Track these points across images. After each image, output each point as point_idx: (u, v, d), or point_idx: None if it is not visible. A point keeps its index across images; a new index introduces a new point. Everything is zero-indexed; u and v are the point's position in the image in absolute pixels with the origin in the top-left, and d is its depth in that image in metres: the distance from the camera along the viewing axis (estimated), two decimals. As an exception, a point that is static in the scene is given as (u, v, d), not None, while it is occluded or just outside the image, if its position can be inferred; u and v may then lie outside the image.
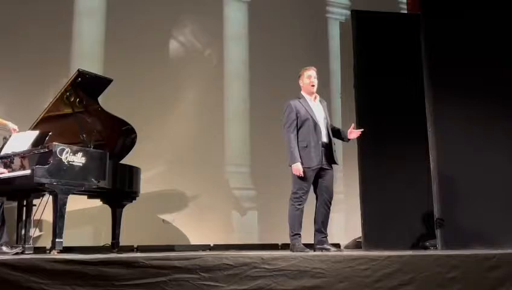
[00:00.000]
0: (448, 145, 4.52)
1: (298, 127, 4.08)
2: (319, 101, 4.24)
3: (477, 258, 3.24)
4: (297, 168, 3.99)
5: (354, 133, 4.25)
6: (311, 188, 4.12)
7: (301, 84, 4.25)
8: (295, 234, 4.00)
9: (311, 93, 4.21)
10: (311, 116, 4.09)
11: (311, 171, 4.03)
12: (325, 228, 4.10)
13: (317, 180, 4.10)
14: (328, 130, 4.17)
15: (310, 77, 4.19)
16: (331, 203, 4.09)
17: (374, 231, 5.11)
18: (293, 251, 3.83)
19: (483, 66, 4.67)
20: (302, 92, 4.24)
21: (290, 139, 4.06)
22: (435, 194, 4.44)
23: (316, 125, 4.08)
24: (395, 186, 5.19)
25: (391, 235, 5.11)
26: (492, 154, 4.56)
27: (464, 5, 4.79)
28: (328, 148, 4.11)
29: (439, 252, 3.87)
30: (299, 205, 4.01)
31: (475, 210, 4.39)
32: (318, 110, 4.18)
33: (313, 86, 4.18)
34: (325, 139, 4.11)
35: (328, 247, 4.00)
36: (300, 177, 4.00)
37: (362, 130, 4.18)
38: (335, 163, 4.14)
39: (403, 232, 5.13)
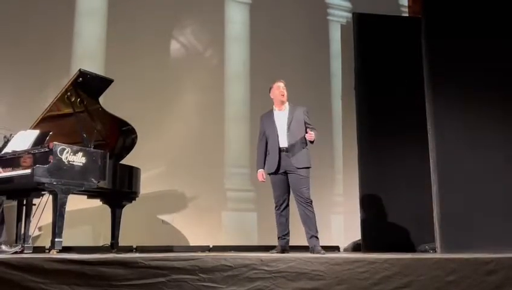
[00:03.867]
0: (448, 147, 4.52)
1: (267, 137, 4.36)
2: (287, 108, 4.35)
3: (476, 262, 3.24)
4: (258, 174, 4.34)
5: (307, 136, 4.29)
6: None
7: (272, 96, 4.44)
8: (278, 238, 4.32)
9: (281, 103, 4.37)
10: (273, 126, 4.31)
11: (274, 177, 4.28)
12: (311, 228, 4.13)
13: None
14: (293, 134, 4.25)
15: (279, 87, 4.38)
16: (305, 204, 4.16)
17: (373, 233, 5.12)
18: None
19: (484, 67, 4.67)
20: (274, 105, 4.42)
21: (257, 149, 4.43)
22: (435, 196, 4.44)
23: (275, 133, 4.28)
24: (395, 189, 5.19)
25: (390, 238, 5.11)
26: (493, 156, 4.55)
27: (466, 8, 4.80)
28: (289, 152, 4.21)
29: (438, 255, 3.87)
30: (277, 210, 4.31)
31: (475, 213, 4.38)
32: (280, 118, 4.33)
33: (282, 95, 4.36)
34: (283, 144, 4.23)
35: (316, 248, 4.02)
36: (272, 186, 4.32)
37: (311, 133, 4.24)
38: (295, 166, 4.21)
39: (402, 235, 5.14)
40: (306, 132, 4.24)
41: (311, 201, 4.16)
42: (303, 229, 4.19)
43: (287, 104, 4.38)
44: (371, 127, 5.38)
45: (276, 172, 4.24)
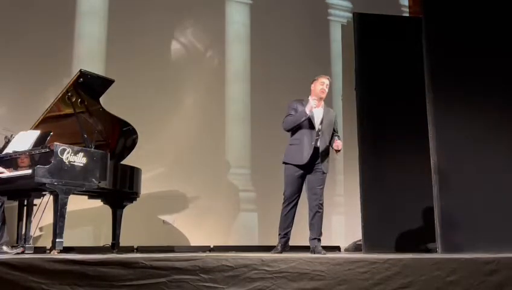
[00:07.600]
0: (449, 149, 4.51)
1: (299, 126, 4.18)
2: (323, 108, 4.30)
3: (477, 261, 3.24)
4: (310, 106, 4.09)
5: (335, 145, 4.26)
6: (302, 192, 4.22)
7: (312, 88, 4.33)
8: (279, 235, 4.22)
9: (319, 99, 4.28)
10: (309, 117, 4.16)
11: (293, 170, 4.15)
12: (315, 231, 4.12)
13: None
14: (325, 136, 4.23)
15: (323, 83, 4.29)
16: (318, 206, 4.13)
17: (374, 233, 5.11)
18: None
19: (485, 68, 4.66)
20: (310, 97, 4.30)
21: (286, 120, 4.22)
22: (435, 197, 4.44)
23: (311, 126, 4.17)
24: (396, 189, 5.19)
25: (391, 238, 5.11)
26: (494, 157, 4.55)
27: (467, 8, 4.79)
28: (320, 153, 4.17)
29: (438, 255, 3.86)
30: (286, 206, 4.19)
31: (476, 213, 4.38)
32: (318, 114, 4.24)
33: (323, 92, 4.28)
34: (319, 143, 4.18)
35: (318, 248, 4.02)
36: (286, 180, 4.18)
37: (338, 142, 4.23)
38: (322, 170, 4.18)
39: (403, 235, 5.13)
40: (332, 138, 4.25)
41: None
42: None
43: (323, 102, 4.33)
44: (371, 128, 5.37)
45: (302, 165, 4.13)
